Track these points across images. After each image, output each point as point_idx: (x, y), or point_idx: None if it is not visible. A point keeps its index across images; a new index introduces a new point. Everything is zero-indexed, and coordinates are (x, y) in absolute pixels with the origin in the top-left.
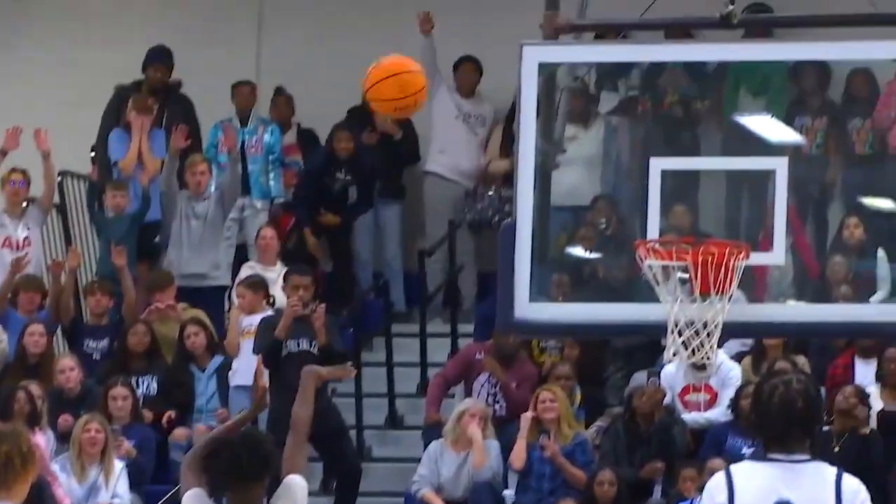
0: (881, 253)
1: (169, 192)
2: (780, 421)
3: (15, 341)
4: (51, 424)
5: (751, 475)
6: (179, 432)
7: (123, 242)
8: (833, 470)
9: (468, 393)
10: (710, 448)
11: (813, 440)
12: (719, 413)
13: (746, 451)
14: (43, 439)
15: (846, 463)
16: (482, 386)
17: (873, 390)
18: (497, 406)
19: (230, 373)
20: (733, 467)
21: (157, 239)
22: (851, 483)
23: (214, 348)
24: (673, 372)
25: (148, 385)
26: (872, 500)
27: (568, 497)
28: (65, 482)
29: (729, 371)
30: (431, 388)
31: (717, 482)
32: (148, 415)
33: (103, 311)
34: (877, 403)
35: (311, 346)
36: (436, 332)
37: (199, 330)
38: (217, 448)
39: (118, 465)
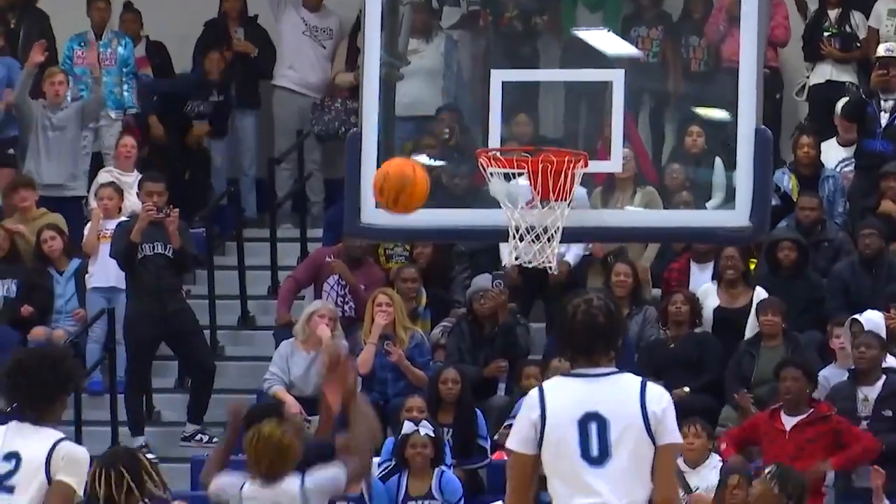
0: (718, 161)
1: (24, 107)
2: (583, 336)
3: None
4: None
5: (561, 391)
6: (38, 331)
7: None
8: (637, 379)
9: (318, 295)
10: (552, 349)
11: (616, 352)
12: None
13: None
14: None
15: (681, 363)
16: (332, 288)
17: (709, 288)
18: (346, 307)
19: (87, 276)
20: (545, 384)
21: (11, 151)
22: (654, 390)
23: (71, 252)
24: None
25: (8, 288)
26: (710, 396)
27: (415, 395)
28: None
29: None
30: (282, 290)
31: (530, 399)
32: None
33: None
34: (713, 301)
35: (165, 250)
36: (286, 237)
37: (56, 234)
38: (19, 367)
39: None
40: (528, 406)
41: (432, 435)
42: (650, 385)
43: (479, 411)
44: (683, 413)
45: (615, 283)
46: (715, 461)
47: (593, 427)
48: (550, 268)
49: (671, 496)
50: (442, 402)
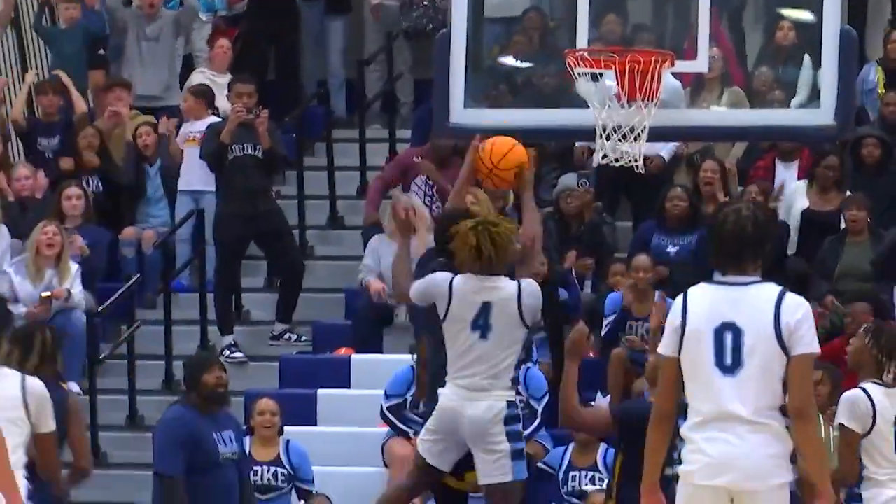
0: (807, 58)
1: (116, 13)
2: (732, 244)
3: None
4: (8, 225)
5: (702, 299)
6: (129, 231)
7: (75, 55)
8: (777, 289)
9: (406, 192)
10: (636, 246)
11: (764, 261)
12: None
13: (671, 249)
14: None
15: None
16: (419, 188)
17: (799, 186)
18: (433, 207)
19: (178, 179)
20: (690, 291)
21: (101, 51)
22: (791, 301)
23: (163, 153)
24: None
25: (98, 184)
26: (793, 290)
27: None
28: (19, 284)
29: None
30: (371, 190)
31: (676, 305)
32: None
33: (55, 108)
34: (803, 201)
35: (255, 151)
36: (374, 138)
37: (151, 130)
38: None
39: (73, 267)
40: (673, 312)
41: None
42: (788, 295)
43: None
44: None
45: (702, 179)
46: None
47: (728, 337)
48: (637, 166)
49: (805, 406)
50: None
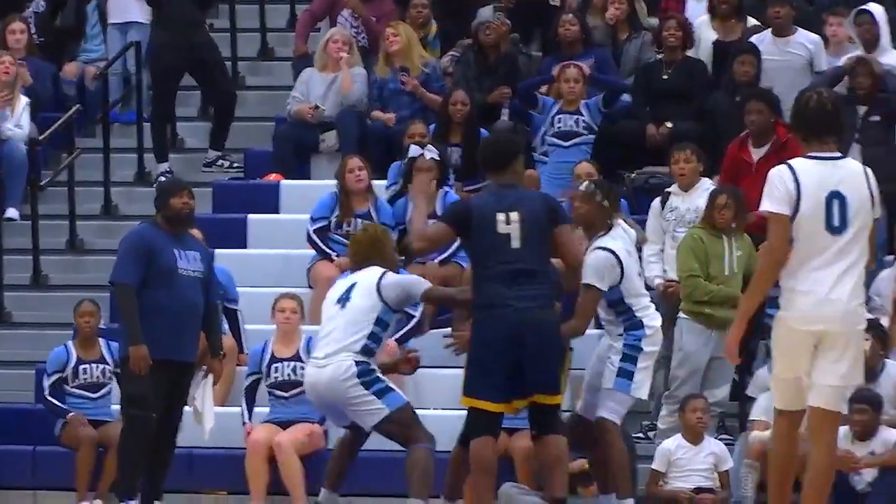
0: None
1: None
2: (815, 121)
3: None
4: None
5: (808, 171)
6: (70, 68)
7: None
8: (859, 163)
9: (333, 25)
10: (548, 67)
11: (841, 139)
12: None
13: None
14: None
15: (677, 86)
16: (345, 20)
17: (704, 20)
18: (359, 38)
19: (107, 10)
20: (792, 162)
21: None
22: (871, 174)
23: None
24: None
25: (37, 4)
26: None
27: (417, 121)
28: None
29: None
30: (299, 23)
31: (782, 173)
32: None
33: None
34: (710, 34)
35: None
36: None
37: None
38: None
39: (23, 100)
40: (781, 179)
41: (437, 158)
42: (869, 170)
43: (484, 132)
44: (677, 140)
45: (611, 9)
46: (706, 185)
47: (836, 203)
48: None
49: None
50: (451, 123)
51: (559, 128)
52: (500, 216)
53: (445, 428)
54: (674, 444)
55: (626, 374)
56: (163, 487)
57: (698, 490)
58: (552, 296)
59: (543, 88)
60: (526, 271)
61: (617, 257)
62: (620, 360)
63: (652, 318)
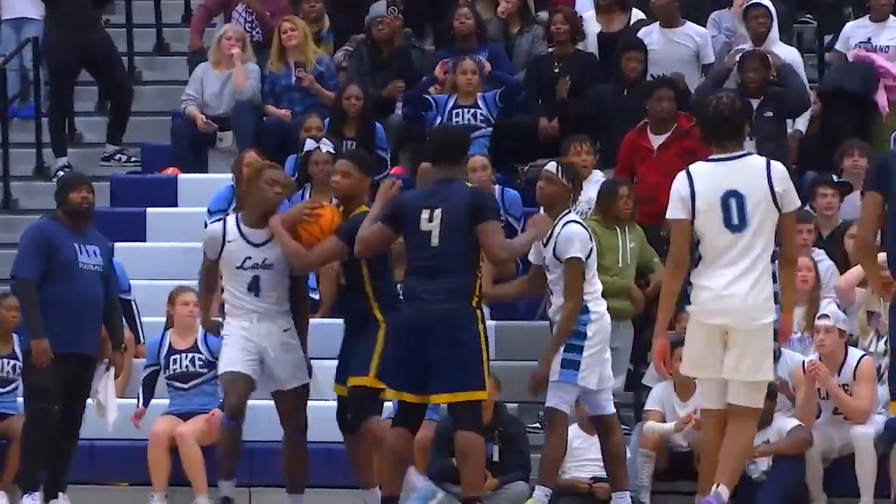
0: None
1: None
2: (714, 126)
3: None
4: None
5: (704, 173)
6: None
7: None
8: (763, 159)
9: (227, 22)
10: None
11: (742, 137)
12: None
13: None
14: None
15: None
16: (240, 15)
17: (591, 15)
18: (254, 33)
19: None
20: (691, 168)
21: None
22: (777, 167)
23: None
24: None
25: None
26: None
27: (313, 114)
28: None
29: None
30: (194, 18)
31: (679, 179)
32: None
33: None
34: (595, 27)
35: None
36: None
37: None
38: None
39: None
40: (679, 187)
41: (333, 151)
42: (773, 163)
43: (379, 126)
44: (573, 132)
45: (503, 3)
46: (597, 177)
47: (733, 202)
48: None
49: (796, 255)
50: (346, 116)
51: (457, 122)
52: (425, 213)
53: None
54: (571, 434)
55: (571, 365)
56: (65, 479)
57: (595, 479)
58: (467, 291)
59: (433, 89)
60: (442, 268)
61: (589, 233)
62: (564, 350)
63: (597, 304)
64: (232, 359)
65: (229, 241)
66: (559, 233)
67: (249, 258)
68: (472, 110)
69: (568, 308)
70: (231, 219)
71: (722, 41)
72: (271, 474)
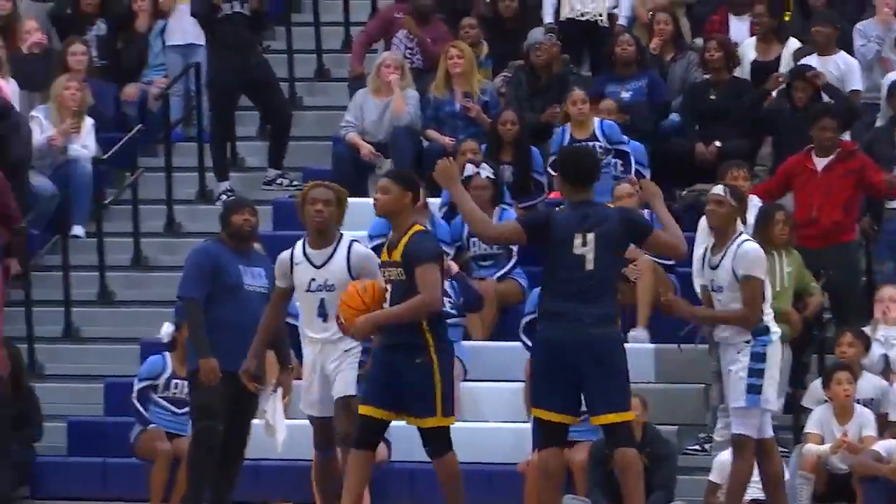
0: None
1: None
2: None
3: None
4: (14, 76)
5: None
6: (130, 91)
7: None
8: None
9: (388, 48)
10: (601, 87)
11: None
12: None
13: (625, 94)
14: (6, 86)
15: (722, 107)
16: (400, 41)
17: (749, 42)
18: (414, 59)
19: (165, 32)
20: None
21: None
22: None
23: (158, 14)
24: None
25: (98, 27)
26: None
27: (468, 138)
28: (46, 127)
29: None
30: (355, 44)
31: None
32: None
33: None
34: (750, 54)
35: (242, 8)
36: None
37: None
38: None
39: (88, 121)
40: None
41: (492, 176)
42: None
43: (536, 151)
44: (729, 157)
45: (657, 31)
46: (755, 201)
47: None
48: (601, 20)
49: None
50: (502, 142)
51: None
52: (578, 238)
53: (502, 441)
54: (730, 457)
55: (754, 389)
56: (230, 499)
57: (754, 502)
58: (616, 315)
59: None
60: (597, 292)
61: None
62: (749, 376)
63: (774, 325)
64: (312, 401)
65: (296, 265)
66: (737, 252)
67: (314, 280)
68: (591, 143)
69: (744, 314)
70: (299, 243)
71: (874, 49)
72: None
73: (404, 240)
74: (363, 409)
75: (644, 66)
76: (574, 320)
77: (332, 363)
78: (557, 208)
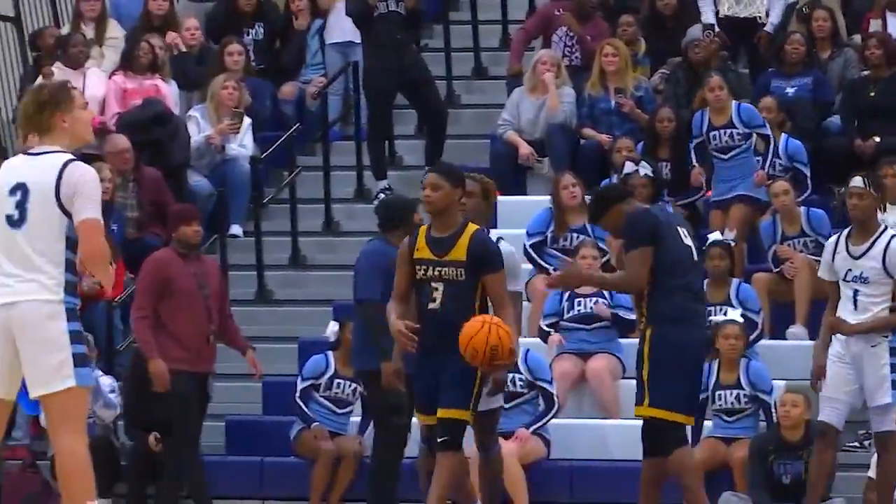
0: None
1: None
2: None
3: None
4: (173, 76)
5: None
6: (288, 89)
7: None
8: None
9: (546, 45)
10: (759, 90)
11: None
12: None
13: (790, 90)
14: (166, 87)
15: (882, 103)
16: (560, 39)
17: None
18: (573, 57)
19: (324, 30)
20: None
21: None
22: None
23: (316, 12)
24: None
25: (256, 32)
26: None
27: (623, 136)
28: (203, 126)
29: None
30: (514, 42)
31: None
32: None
33: None
34: None
35: (398, 7)
36: None
37: None
38: None
39: (246, 120)
40: None
41: (651, 175)
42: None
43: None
44: (889, 153)
45: (815, 28)
46: None
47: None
48: (759, 17)
49: None
50: (659, 139)
51: (715, 144)
52: (682, 230)
53: None
54: None
55: None
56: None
57: None
58: None
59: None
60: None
61: None
62: (893, 371)
63: None
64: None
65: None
66: (888, 246)
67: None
68: (728, 131)
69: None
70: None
71: None
72: None
73: (464, 240)
74: (419, 418)
75: (811, 65)
76: (703, 319)
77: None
78: (649, 206)
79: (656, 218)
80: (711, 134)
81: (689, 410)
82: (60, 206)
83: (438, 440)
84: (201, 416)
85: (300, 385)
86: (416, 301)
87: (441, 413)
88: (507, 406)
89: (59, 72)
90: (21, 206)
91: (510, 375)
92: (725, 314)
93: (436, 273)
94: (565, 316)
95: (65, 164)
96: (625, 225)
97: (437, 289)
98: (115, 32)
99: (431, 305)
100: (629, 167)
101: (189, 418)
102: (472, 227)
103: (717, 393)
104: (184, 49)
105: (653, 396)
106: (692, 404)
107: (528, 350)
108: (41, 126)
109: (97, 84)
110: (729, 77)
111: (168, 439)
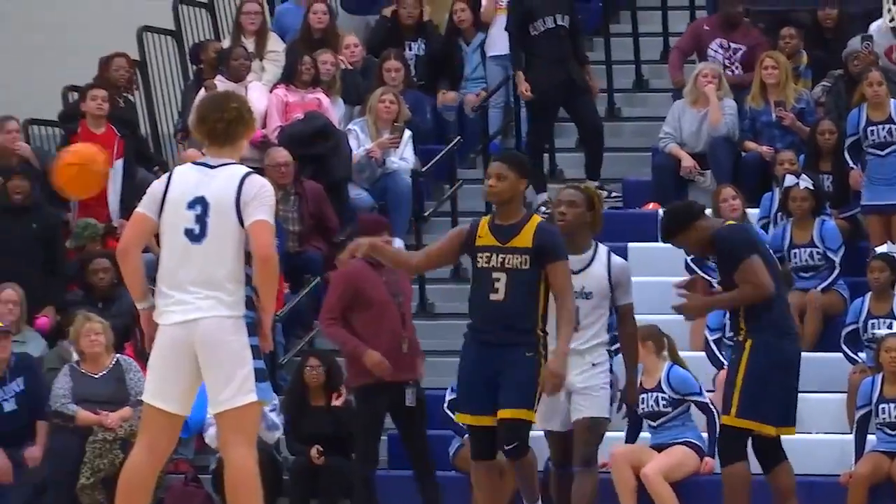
0: None
1: None
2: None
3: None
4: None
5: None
6: (450, 95)
7: None
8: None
9: (702, 58)
10: None
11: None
12: None
13: None
14: (327, 101)
15: None
16: (716, 52)
17: None
18: (733, 69)
19: (485, 44)
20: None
21: None
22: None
23: (478, 25)
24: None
25: (418, 47)
26: None
27: (785, 149)
28: (363, 140)
29: None
30: (671, 58)
31: None
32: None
33: None
34: None
35: (563, 21)
36: (676, 6)
37: (466, 6)
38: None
39: (407, 134)
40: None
41: (811, 187)
42: None
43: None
44: None
45: None
46: None
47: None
48: None
49: None
50: (821, 151)
51: (873, 140)
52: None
53: (825, 453)
54: None
55: None
56: None
57: None
58: None
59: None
60: None
61: None
62: None
63: None
64: (551, 413)
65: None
66: None
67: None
68: (887, 126)
69: None
70: None
71: None
72: None
73: (529, 228)
74: (463, 419)
75: None
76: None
77: (578, 375)
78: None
79: (749, 231)
80: (869, 129)
81: (784, 422)
82: (239, 218)
83: (506, 447)
84: (419, 426)
85: (448, 397)
86: (476, 292)
87: (505, 413)
88: (654, 424)
89: (221, 85)
90: (201, 220)
91: (654, 395)
92: (890, 327)
93: (499, 261)
94: (727, 334)
95: (244, 177)
96: (722, 241)
97: (499, 279)
98: (276, 46)
99: (493, 296)
100: (790, 180)
101: (374, 434)
102: (536, 218)
103: (881, 406)
104: (347, 66)
105: (742, 407)
106: (790, 415)
107: (671, 366)
108: (226, 139)
109: (259, 97)
110: (889, 75)
111: (351, 459)
